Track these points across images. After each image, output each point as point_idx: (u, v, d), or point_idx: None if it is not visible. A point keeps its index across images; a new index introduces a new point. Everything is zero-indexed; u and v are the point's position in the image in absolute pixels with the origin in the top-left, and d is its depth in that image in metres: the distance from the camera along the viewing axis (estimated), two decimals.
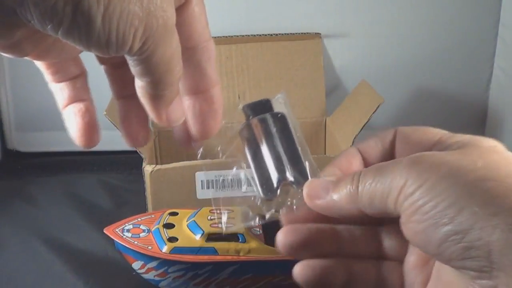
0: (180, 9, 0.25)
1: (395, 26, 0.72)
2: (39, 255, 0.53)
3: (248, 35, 0.69)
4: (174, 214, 0.42)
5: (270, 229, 0.40)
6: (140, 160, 0.57)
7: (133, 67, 0.24)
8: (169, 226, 0.40)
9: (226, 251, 0.37)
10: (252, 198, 0.31)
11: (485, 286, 0.23)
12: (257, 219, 0.30)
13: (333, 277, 0.30)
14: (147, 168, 0.55)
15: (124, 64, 0.25)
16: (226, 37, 0.68)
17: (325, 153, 0.70)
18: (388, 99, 0.59)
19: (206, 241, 0.38)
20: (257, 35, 0.69)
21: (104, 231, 0.41)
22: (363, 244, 0.31)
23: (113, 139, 0.71)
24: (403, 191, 0.25)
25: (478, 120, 0.76)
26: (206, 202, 0.57)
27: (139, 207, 0.57)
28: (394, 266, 0.31)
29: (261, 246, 0.38)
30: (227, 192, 0.57)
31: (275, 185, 0.28)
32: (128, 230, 0.40)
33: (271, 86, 0.69)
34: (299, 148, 0.29)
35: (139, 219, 0.42)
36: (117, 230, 0.40)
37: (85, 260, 0.51)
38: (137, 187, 0.58)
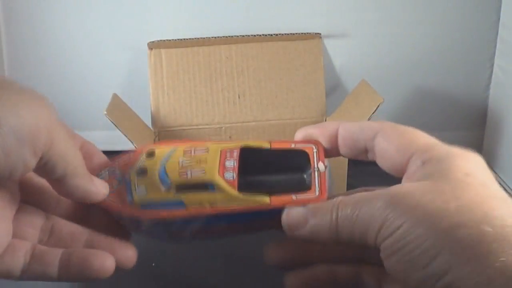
0: None
1: (395, 26, 0.72)
2: None
3: (248, 35, 0.69)
4: (151, 155, 0.37)
5: (246, 173, 0.35)
6: None
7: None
8: (141, 172, 0.36)
9: (195, 203, 0.34)
10: None
11: None
12: None
13: (322, 283, 0.33)
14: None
15: None
16: (226, 37, 0.68)
17: None
18: (388, 99, 0.59)
19: (175, 193, 0.34)
20: (257, 35, 0.69)
21: None
22: (347, 250, 0.34)
23: (113, 139, 0.72)
24: (381, 232, 0.26)
25: (478, 120, 0.76)
26: None
27: None
28: (374, 269, 0.33)
29: (232, 195, 0.33)
30: None
31: None
32: (102, 179, 0.36)
33: (271, 86, 0.69)
34: None
35: (117, 161, 0.38)
36: None
37: None
38: None
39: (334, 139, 0.33)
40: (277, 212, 0.33)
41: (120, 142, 0.62)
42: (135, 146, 0.56)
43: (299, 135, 0.35)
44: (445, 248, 0.24)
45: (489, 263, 0.24)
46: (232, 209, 0.33)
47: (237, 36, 0.69)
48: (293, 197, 0.33)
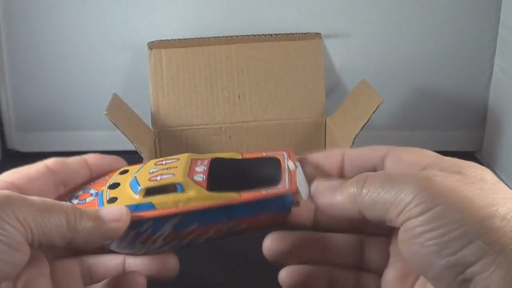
0: None
1: (395, 26, 0.72)
2: None
3: (248, 35, 0.69)
4: (124, 172, 0.38)
5: (215, 173, 0.36)
6: (140, 160, 0.57)
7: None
8: (114, 186, 0.36)
9: (164, 204, 0.33)
10: None
11: None
12: None
13: (316, 283, 0.32)
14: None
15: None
16: (226, 37, 0.68)
17: None
18: (388, 99, 0.59)
19: (144, 197, 0.34)
20: (257, 35, 0.69)
21: None
22: (347, 254, 0.33)
23: (113, 139, 0.72)
24: (408, 209, 0.25)
25: (478, 120, 0.76)
26: None
27: None
28: (373, 278, 0.32)
29: (201, 193, 0.33)
30: None
31: None
32: (77, 197, 0.36)
33: (271, 86, 0.69)
34: None
35: (92, 183, 0.38)
36: (66, 198, 0.36)
37: None
38: None
39: (340, 163, 0.33)
40: (249, 210, 0.33)
41: (120, 142, 0.61)
42: (135, 146, 0.56)
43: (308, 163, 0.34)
44: (480, 238, 0.23)
45: None
46: (201, 206, 0.33)
47: (237, 36, 0.69)
48: (263, 191, 0.32)
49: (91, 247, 0.31)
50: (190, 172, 0.35)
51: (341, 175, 0.32)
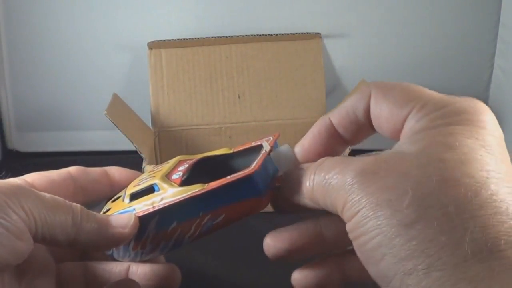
0: None
1: (395, 26, 0.72)
2: None
3: (248, 35, 0.69)
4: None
5: (198, 169, 0.36)
6: (140, 160, 0.57)
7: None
8: (115, 199, 0.37)
9: (143, 206, 0.34)
10: None
11: None
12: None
13: (330, 281, 0.30)
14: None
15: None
16: (226, 37, 0.68)
17: None
18: None
19: (129, 202, 0.35)
20: (257, 35, 0.69)
21: None
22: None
23: (113, 139, 0.72)
24: (344, 212, 0.23)
25: None
26: None
27: None
28: None
29: (173, 190, 0.33)
30: None
31: None
32: None
33: (271, 86, 0.69)
34: None
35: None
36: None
37: None
38: None
39: (334, 133, 0.30)
40: (221, 199, 0.32)
41: (120, 142, 0.61)
42: (135, 146, 0.56)
43: (298, 149, 0.33)
44: (391, 250, 0.21)
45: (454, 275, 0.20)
46: (170, 202, 0.32)
47: (237, 36, 0.69)
48: (228, 176, 0.32)
49: (96, 249, 0.31)
50: (172, 171, 0.35)
51: (344, 141, 0.30)
